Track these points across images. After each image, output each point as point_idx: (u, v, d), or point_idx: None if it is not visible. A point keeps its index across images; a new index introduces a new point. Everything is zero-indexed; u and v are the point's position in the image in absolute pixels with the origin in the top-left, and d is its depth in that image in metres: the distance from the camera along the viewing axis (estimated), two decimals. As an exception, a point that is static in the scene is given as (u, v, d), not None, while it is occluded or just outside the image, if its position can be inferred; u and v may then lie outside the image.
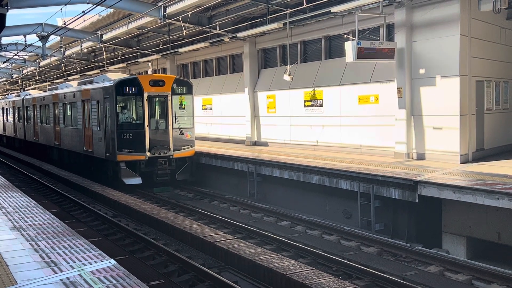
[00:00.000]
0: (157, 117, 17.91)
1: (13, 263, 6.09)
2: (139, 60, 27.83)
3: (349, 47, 13.81)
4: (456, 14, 13.29)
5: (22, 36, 23.62)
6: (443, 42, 13.66)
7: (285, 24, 17.58)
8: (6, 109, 35.42)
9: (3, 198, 10.69)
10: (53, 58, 32.01)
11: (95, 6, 15.44)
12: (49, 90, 27.34)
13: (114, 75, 19.49)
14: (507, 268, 9.13)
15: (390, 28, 15.17)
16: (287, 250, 10.44)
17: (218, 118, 24.31)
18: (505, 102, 16.09)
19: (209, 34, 21.42)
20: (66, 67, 35.32)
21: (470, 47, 13.74)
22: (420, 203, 11.26)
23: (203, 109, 25.07)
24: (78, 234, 7.64)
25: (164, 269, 9.33)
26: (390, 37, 15.02)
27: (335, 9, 15.00)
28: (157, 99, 17.83)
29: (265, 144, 20.92)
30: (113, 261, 6.15)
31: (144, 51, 27.19)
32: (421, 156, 14.45)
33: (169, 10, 18.29)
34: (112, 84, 17.34)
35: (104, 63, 29.89)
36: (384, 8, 14.46)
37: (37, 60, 33.52)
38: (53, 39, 26.70)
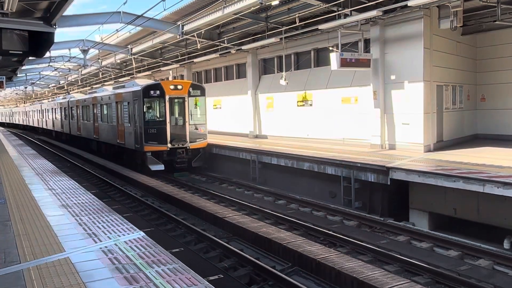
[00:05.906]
0: (176, 115, 17.78)
1: (62, 234, 6.07)
2: (162, 68, 27.68)
3: (334, 58, 13.75)
4: (420, 31, 13.19)
5: (67, 50, 23.52)
6: (410, 53, 13.56)
7: (281, 38, 17.44)
8: (55, 109, 35.28)
9: (53, 182, 10.68)
10: (92, 67, 31.92)
11: (126, 25, 15.37)
12: (89, 93, 27.24)
13: (142, 81, 19.39)
14: (461, 237, 9.15)
15: (367, 42, 15.05)
16: (283, 223, 10.43)
17: (226, 115, 24.20)
18: (460, 103, 16.00)
19: (219, 47, 21.28)
20: (102, 74, 35.18)
21: (432, 58, 13.65)
22: (392, 185, 11.23)
23: (214, 108, 24.95)
24: (114, 210, 7.61)
25: (183, 239, 9.34)
26: (366, 50, 14.91)
27: (322, 26, 14.89)
28: (176, 100, 17.71)
29: (265, 137, 20.86)
30: (142, 233, 6.14)
31: (166, 61, 27.03)
32: (392, 147, 14.40)
33: (186, 28, 18.21)
34: (140, 88, 17.25)
35: (133, 71, 29.73)
36: (362, 26, 14.35)
37: (79, 69, 33.35)
38: (92, 52, 26.54)
